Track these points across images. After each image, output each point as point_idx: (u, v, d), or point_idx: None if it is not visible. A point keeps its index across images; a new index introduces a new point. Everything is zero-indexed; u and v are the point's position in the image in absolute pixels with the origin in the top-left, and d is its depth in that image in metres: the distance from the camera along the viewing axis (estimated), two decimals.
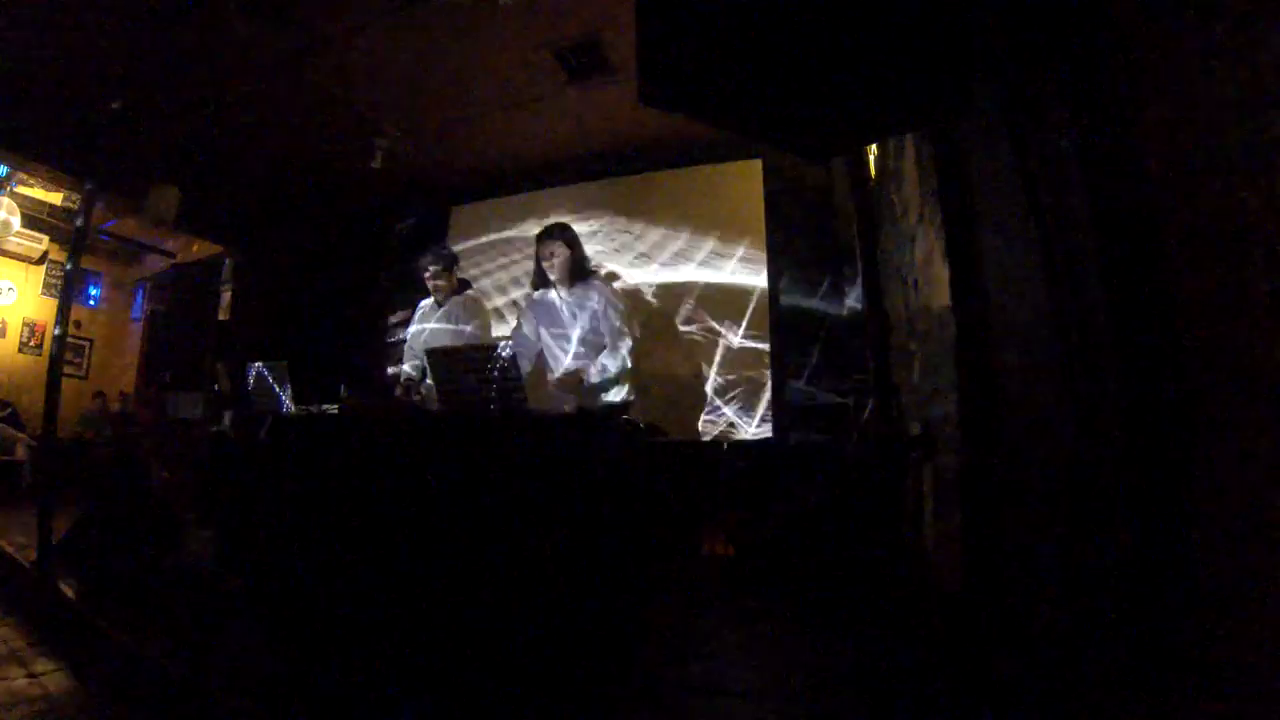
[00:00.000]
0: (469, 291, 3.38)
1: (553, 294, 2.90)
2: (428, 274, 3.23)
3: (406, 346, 3.44)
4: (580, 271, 2.85)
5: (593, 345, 2.82)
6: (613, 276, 4.13)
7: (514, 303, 4.65)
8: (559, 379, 2.73)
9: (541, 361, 2.99)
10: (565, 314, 2.87)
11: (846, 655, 1.87)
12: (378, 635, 1.88)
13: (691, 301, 4.13)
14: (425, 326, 3.31)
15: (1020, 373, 1.16)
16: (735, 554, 3.30)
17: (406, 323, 3.62)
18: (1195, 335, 0.70)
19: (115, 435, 5.97)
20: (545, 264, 2.83)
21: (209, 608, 2.25)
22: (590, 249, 4.44)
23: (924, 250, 1.76)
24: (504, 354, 2.02)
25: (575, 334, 2.85)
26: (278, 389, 2.62)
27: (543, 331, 2.96)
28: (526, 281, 3.62)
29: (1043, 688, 1.02)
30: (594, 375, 2.70)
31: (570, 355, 2.85)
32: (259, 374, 2.70)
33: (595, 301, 2.82)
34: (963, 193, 1.41)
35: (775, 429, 3.77)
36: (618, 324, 2.80)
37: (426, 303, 3.37)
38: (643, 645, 1.97)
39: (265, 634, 2.06)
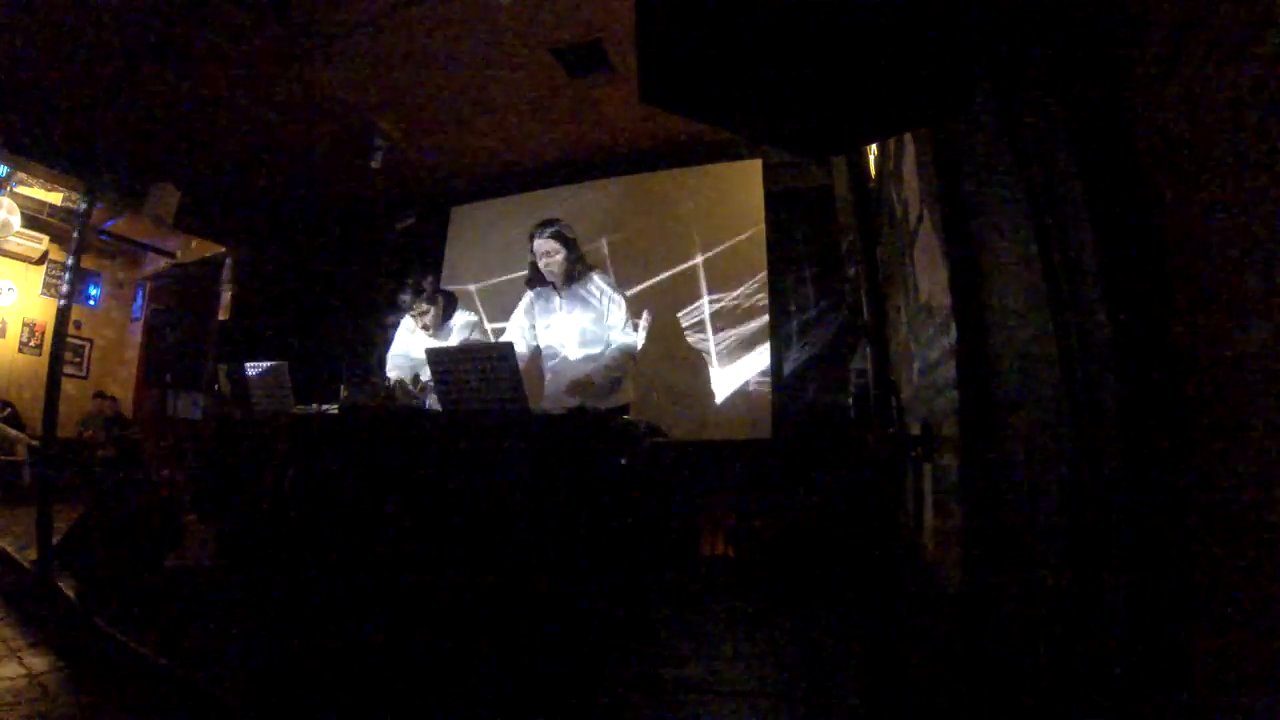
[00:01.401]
0: (460, 316, 3.20)
1: (550, 292, 2.86)
2: (414, 311, 3.08)
3: (390, 361, 3.33)
4: (577, 269, 2.80)
5: (593, 343, 2.80)
6: (609, 274, 4.10)
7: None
8: (569, 384, 2.68)
9: (538, 361, 2.97)
10: (564, 313, 2.84)
11: (846, 655, 1.87)
12: (378, 634, 1.88)
13: (691, 301, 4.13)
14: (409, 351, 3.19)
15: (1020, 372, 1.16)
16: (735, 554, 3.30)
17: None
18: (1195, 335, 0.70)
19: (113, 436, 5.96)
20: (541, 264, 2.77)
21: (209, 608, 2.25)
22: (590, 249, 4.45)
23: (924, 250, 1.76)
24: (504, 354, 2.02)
25: (575, 333, 2.82)
26: (276, 389, 2.62)
27: (540, 331, 2.93)
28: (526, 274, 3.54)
29: (1043, 688, 1.02)
30: (599, 376, 2.66)
31: (571, 354, 2.83)
32: (259, 374, 2.70)
33: (594, 298, 2.78)
34: (963, 193, 1.41)
35: (775, 429, 3.77)
36: (619, 319, 2.77)
37: (411, 325, 3.23)
38: (643, 645, 1.97)
39: (266, 634, 2.06)
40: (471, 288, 4.88)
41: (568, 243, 2.75)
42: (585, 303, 2.79)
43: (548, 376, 2.93)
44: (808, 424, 3.72)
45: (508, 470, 1.95)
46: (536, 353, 2.95)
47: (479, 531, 1.93)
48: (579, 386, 2.63)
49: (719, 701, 1.55)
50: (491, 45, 3.40)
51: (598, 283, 2.82)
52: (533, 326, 2.93)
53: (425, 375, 3.03)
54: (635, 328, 2.86)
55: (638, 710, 1.53)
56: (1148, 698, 0.74)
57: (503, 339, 2.61)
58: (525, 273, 2.91)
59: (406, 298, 3.07)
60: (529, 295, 2.95)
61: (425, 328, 3.13)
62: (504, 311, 4.71)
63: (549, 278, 2.80)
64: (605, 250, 4.48)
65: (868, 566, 2.30)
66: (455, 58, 3.51)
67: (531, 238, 2.78)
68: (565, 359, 2.84)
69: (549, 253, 2.73)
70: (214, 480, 3.23)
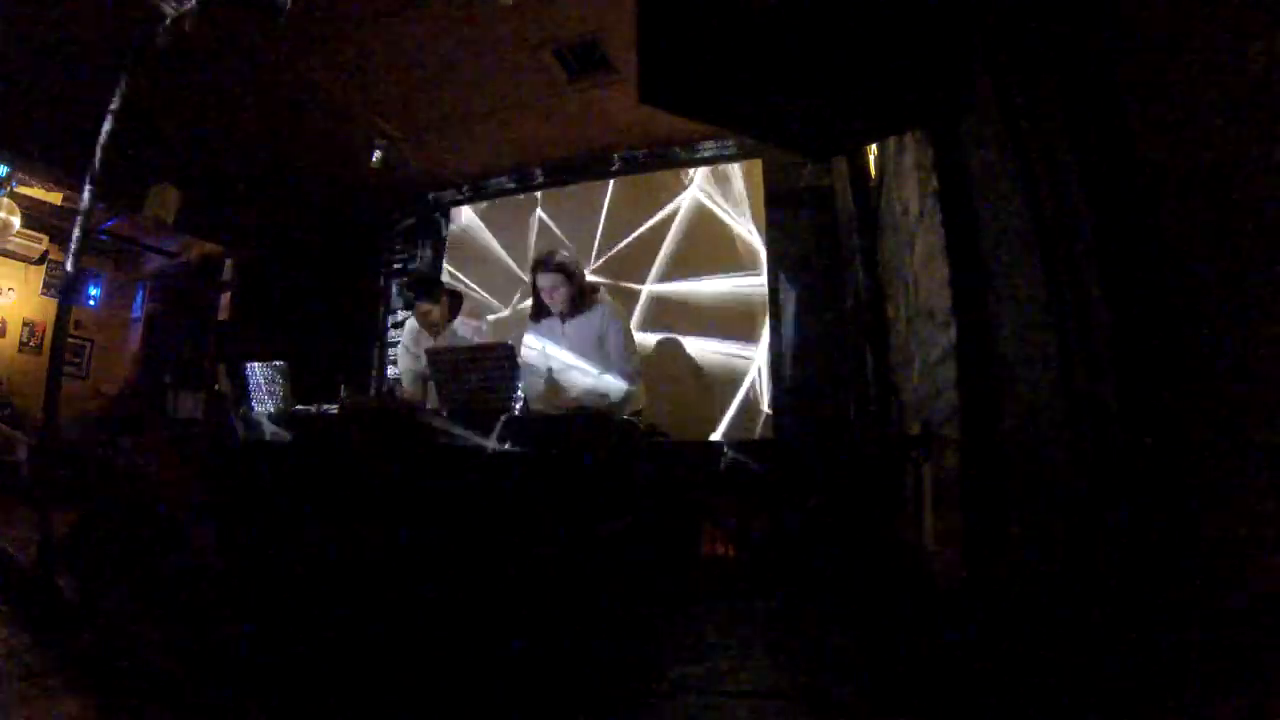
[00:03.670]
0: (464, 321, 3.20)
1: (556, 324, 2.81)
2: (416, 311, 3.07)
3: (399, 362, 3.33)
4: (581, 298, 2.75)
5: (594, 367, 2.76)
6: (612, 287, 4.06)
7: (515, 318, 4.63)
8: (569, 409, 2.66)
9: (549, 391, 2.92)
10: (569, 344, 2.81)
11: (846, 655, 1.87)
12: (377, 634, 1.88)
13: (691, 301, 4.13)
14: (420, 357, 3.12)
15: (1020, 373, 1.16)
16: (735, 554, 3.30)
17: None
18: (1195, 334, 0.70)
19: (107, 435, 5.93)
20: (545, 298, 2.72)
21: (209, 607, 2.25)
22: (589, 249, 4.46)
23: (924, 250, 1.76)
24: (504, 354, 2.02)
25: (578, 359, 2.78)
26: (276, 389, 2.62)
27: (543, 362, 2.89)
28: (527, 278, 3.48)
29: (1043, 688, 1.02)
30: (593, 401, 2.62)
31: (574, 378, 2.80)
32: (259, 374, 2.70)
33: (598, 325, 2.74)
34: (963, 193, 1.41)
35: (775, 429, 3.77)
36: (617, 345, 2.72)
37: (415, 328, 3.21)
38: (643, 645, 1.97)
39: (266, 634, 2.06)
40: (472, 286, 4.88)
41: (570, 274, 2.70)
42: (588, 327, 2.76)
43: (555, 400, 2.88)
44: (808, 424, 3.72)
45: (507, 470, 1.95)
46: (550, 376, 2.91)
47: (477, 530, 1.93)
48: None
49: (719, 701, 1.55)
50: (492, 45, 3.40)
51: (601, 305, 2.77)
52: (541, 357, 2.89)
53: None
54: (630, 355, 2.78)
55: (638, 710, 1.53)
56: (1147, 696, 0.74)
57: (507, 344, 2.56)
58: (525, 274, 2.88)
59: (410, 295, 3.06)
60: (535, 326, 2.89)
61: (430, 326, 3.11)
62: (505, 312, 4.75)
63: (554, 310, 2.77)
64: (604, 252, 4.48)
65: (868, 566, 2.30)
66: (455, 58, 3.50)
67: (535, 271, 2.74)
68: (570, 383, 2.82)
69: (554, 286, 2.69)
70: (214, 480, 3.23)
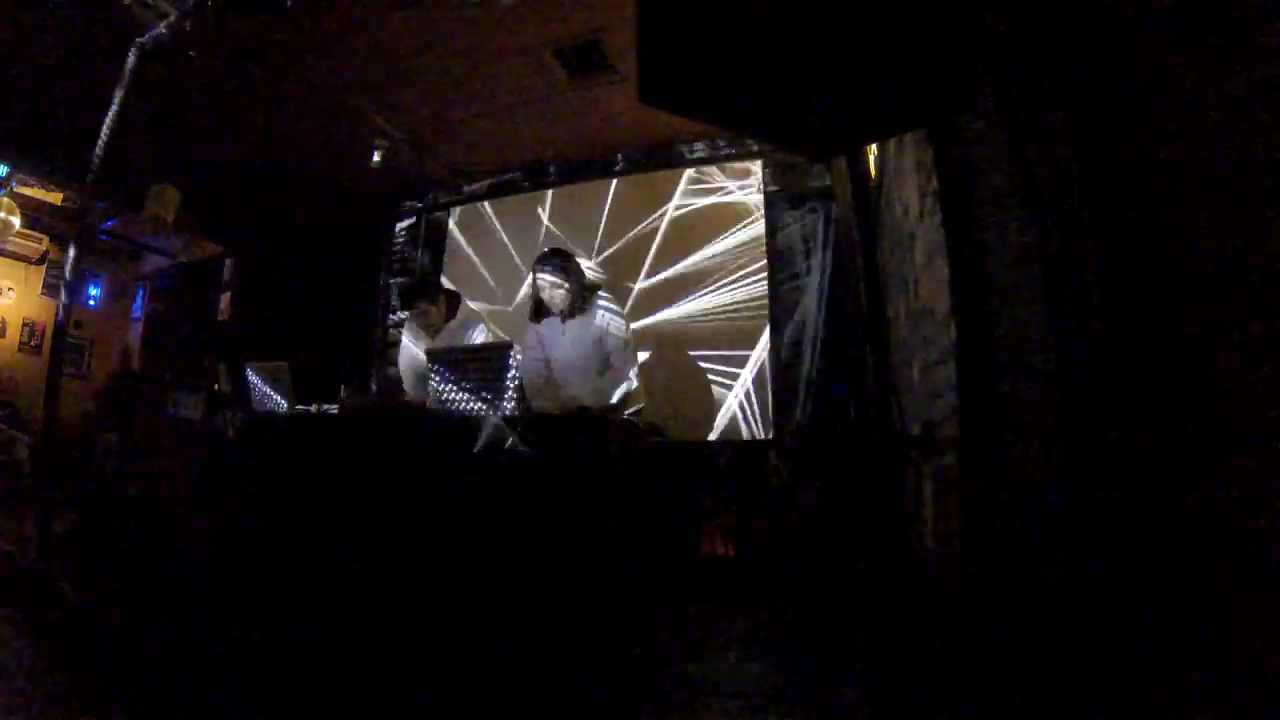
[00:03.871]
0: (462, 318, 3.15)
1: (556, 323, 2.79)
2: (414, 311, 3.06)
3: (400, 366, 3.34)
4: (582, 297, 2.72)
5: (594, 367, 2.75)
6: (612, 286, 4.04)
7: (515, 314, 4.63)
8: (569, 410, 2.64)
9: (548, 390, 2.91)
10: (569, 343, 2.78)
11: (846, 655, 1.87)
12: (376, 634, 1.88)
13: (691, 301, 4.13)
14: (419, 358, 3.09)
15: (1020, 372, 1.16)
16: (735, 554, 3.30)
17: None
18: (1194, 335, 0.70)
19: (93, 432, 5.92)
20: (544, 296, 2.71)
21: (208, 607, 2.25)
22: (589, 251, 4.46)
23: (924, 250, 1.76)
24: (504, 354, 2.02)
25: (578, 358, 2.76)
26: (276, 389, 2.62)
27: (541, 361, 2.87)
28: (528, 277, 3.47)
29: (1043, 687, 1.02)
30: (596, 401, 2.61)
31: (573, 378, 2.78)
32: (259, 374, 2.70)
33: (598, 324, 2.72)
34: (963, 193, 1.41)
35: (775, 429, 3.78)
36: (617, 343, 2.71)
37: (414, 331, 3.18)
38: (643, 645, 1.97)
39: (265, 634, 2.06)
40: (471, 286, 4.88)
41: (571, 275, 2.69)
42: (588, 326, 2.74)
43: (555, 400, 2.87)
44: (808, 424, 3.72)
45: (507, 470, 1.95)
46: (550, 375, 2.90)
47: (478, 531, 1.93)
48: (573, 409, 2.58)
49: (719, 701, 1.55)
50: (492, 45, 3.40)
51: (601, 306, 2.75)
52: (541, 357, 2.87)
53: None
54: (634, 349, 2.75)
55: (638, 710, 1.54)
56: (1147, 695, 0.74)
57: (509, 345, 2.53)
58: (525, 273, 2.87)
59: (406, 294, 3.04)
60: (535, 327, 2.87)
61: (428, 328, 3.10)
62: (505, 311, 4.75)
63: (554, 309, 2.75)
64: (604, 252, 4.48)
65: (868, 565, 2.30)
66: (455, 57, 3.51)
67: (536, 268, 2.71)
68: (568, 382, 2.81)
69: (554, 285, 2.67)
70: (213, 480, 3.23)
